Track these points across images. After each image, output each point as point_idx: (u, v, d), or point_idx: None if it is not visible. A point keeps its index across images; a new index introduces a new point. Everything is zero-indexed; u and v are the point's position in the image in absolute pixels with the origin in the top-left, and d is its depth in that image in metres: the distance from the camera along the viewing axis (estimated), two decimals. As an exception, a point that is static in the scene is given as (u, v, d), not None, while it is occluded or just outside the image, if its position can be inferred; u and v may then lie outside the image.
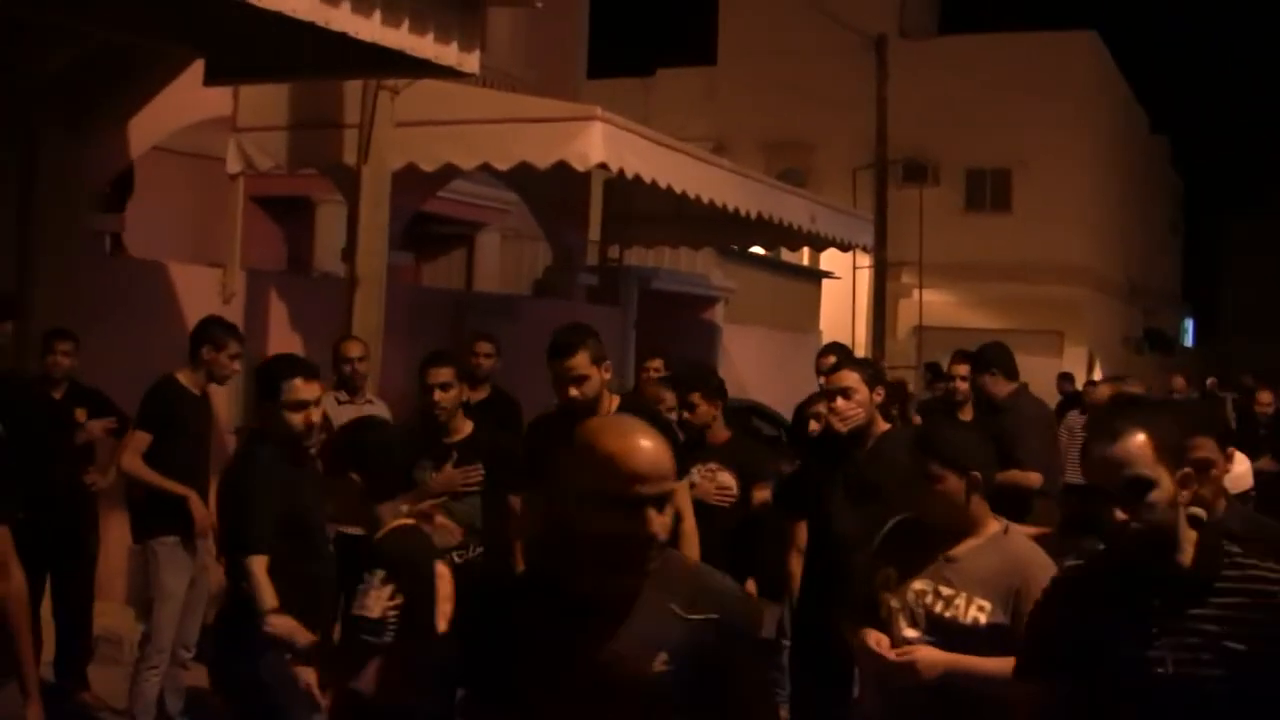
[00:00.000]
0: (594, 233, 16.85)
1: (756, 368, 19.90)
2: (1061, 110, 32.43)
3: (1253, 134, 57.43)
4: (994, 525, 4.70)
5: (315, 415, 5.71)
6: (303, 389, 5.67)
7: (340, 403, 8.79)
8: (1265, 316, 54.27)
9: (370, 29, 6.94)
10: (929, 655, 4.42)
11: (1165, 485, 3.44)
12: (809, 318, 25.72)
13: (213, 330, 7.92)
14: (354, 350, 8.98)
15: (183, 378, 7.85)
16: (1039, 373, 23.70)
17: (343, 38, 6.90)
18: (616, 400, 6.22)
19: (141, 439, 7.64)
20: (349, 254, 10.39)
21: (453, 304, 14.46)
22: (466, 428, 7.03)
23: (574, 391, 5.92)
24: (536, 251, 19.53)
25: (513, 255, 20.38)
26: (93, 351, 8.38)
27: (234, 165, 10.93)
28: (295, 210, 17.96)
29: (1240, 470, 6.37)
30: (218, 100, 10.57)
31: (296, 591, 5.32)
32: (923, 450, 4.70)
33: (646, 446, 3.02)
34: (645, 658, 3.03)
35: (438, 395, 6.88)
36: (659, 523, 2.98)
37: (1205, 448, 4.47)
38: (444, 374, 6.91)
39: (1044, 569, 4.38)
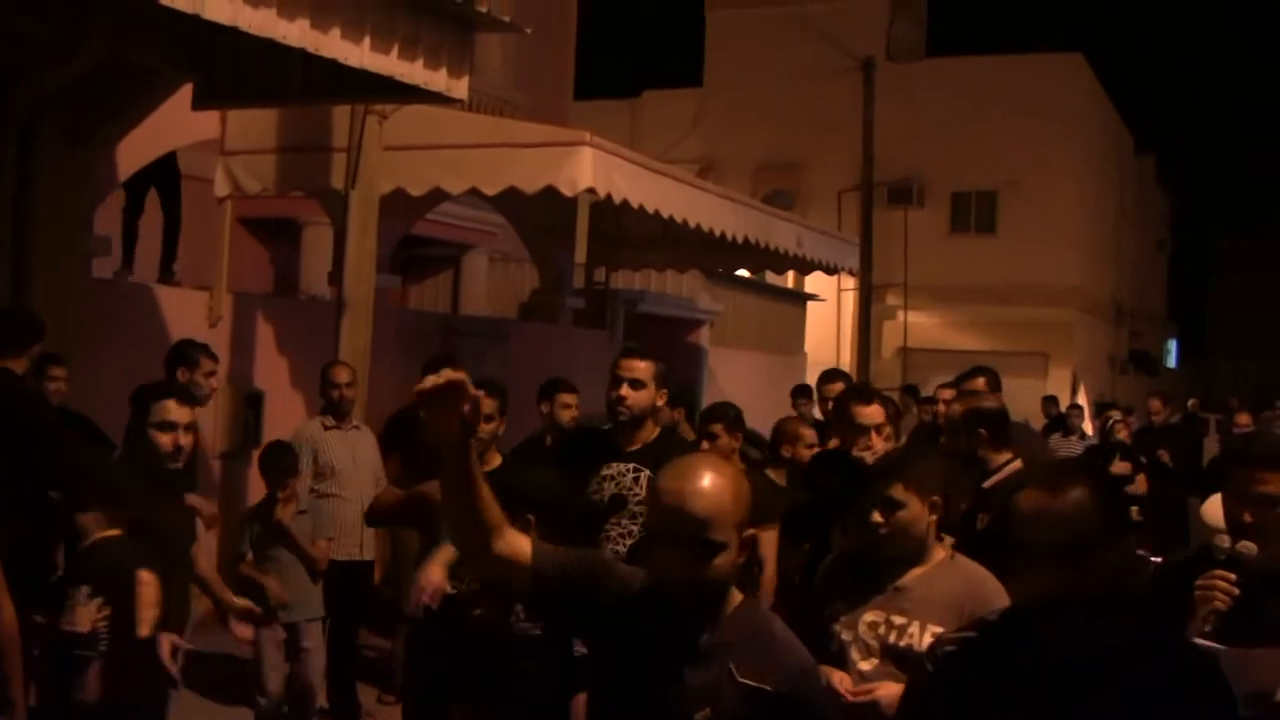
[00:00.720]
0: (580, 255, 16.85)
1: (743, 390, 19.82)
2: (1048, 131, 32.50)
3: (1239, 155, 57.67)
4: (941, 552, 4.71)
5: (184, 439, 5.68)
6: (173, 410, 5.66)
7: (327, 428, 8.79)
8: (1250, 337, 54.47)
9: (360, 55, 6.96)
10: (889, 691, 4.38)
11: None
12: (794, 340, 25.75)
13: (186, 351, 8.02)
14: (342, 376, 8.97)
15: None
16: (1023, 395, 23.80)
17: (333, 63, 6.93)
18: (657, 431, 6.16)
19: None
20: (336, 277, 10.40)
21: (440, 327, 14.45)
22: (495, 461, 6.50)
23: (625, 392, 5.91)
24: (524, 274, 19.54)
25: (500, 278, 20.38)
26: (79, 375, 8.37)
27: (222, 188, 10.94)
28: (282, 232, 17.93)
29: None
30: (206, 123, 10.58)
31: None
32: (888, 475, 4.68)
33: (707, 488, 3.06)
34: (692, 707, 3.06)
35: (481, 427, 6.30)
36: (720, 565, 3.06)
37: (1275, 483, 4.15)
38: (490, 405, 6.35)
39: (996, 592, 4.38)
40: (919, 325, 31.99)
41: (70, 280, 9.54)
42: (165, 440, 5.64)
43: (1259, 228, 57.27)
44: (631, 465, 5.96)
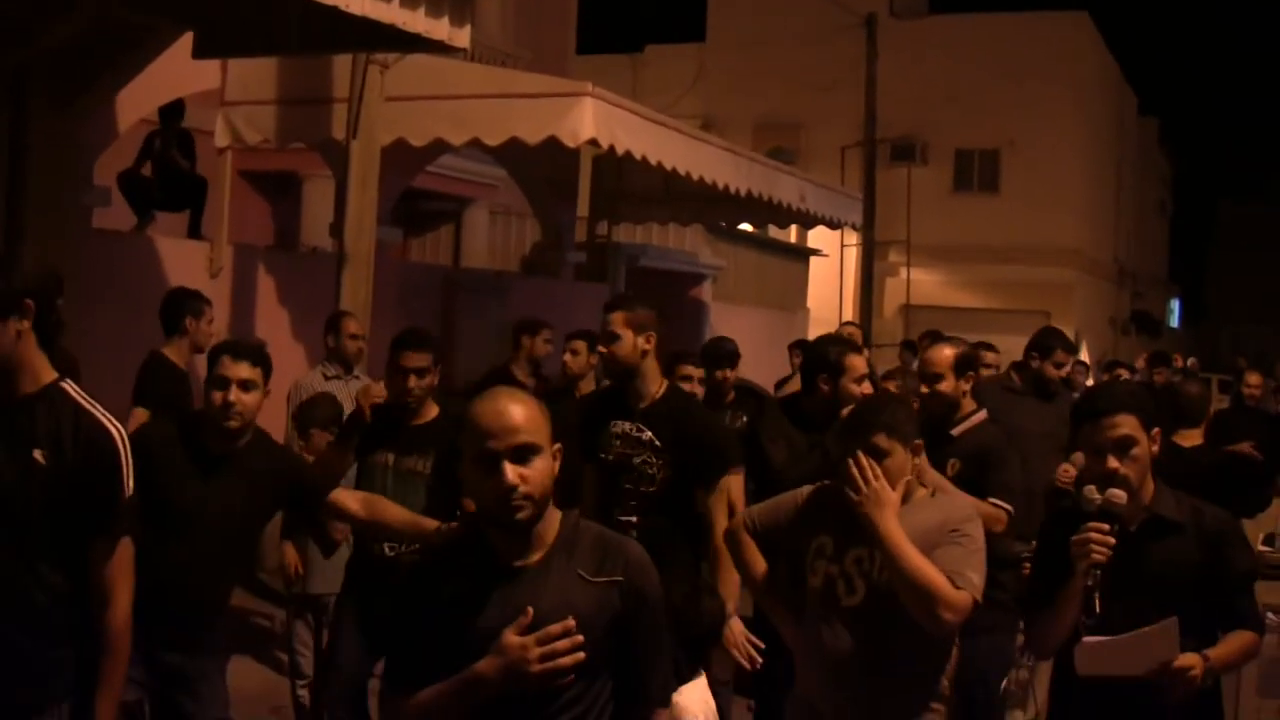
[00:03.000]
0: (583, 209, 16.82)
1: (744, 346, 19.72)
2: (1051, 91, 32.40)
3: (1242, 118, 57.47)
4: (923, 490, 4.75)
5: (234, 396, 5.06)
6: (231, 366, 5.11)
7: (328, 378, 8.73)
8: (1251, 298, 54.42)
9: (361, 3, 6.93)
10: None
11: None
12: (797, 296, 25.69)
13: (191, 301, 7.99)
14: (352, 327, 8.91)
15: (170, 353, 7.86)
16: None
17: (334, 11, 6.88)
18: (664, 386, 6.06)
19: (139, 416, 7.55)
20: (337, 230, 10.35)
21: (442, 280, 14.41)
22: (432, 412, 6.36)
23: (602, 349, 5.90)
24: (525, 228, 19.49)
25: (501, 232, 20.33)
26: (79, 326, 8.33)
27: (222, 139, 10.89)
28: (283, 186, 17.90)
29: None
30: (206, 74, 10.53)
31: (153, 578, 5.09)
32: (871, 424, 4.62)
33: (495, 407, 3.19)
34: (555, 621, 3.16)
35: (413, 381, 6.22)
36: (513, 473, 3.13)
37: (1126, 425, 4.23)
38: (424, 358, 6.26)
39: (967, 517, 4.58)
40: (921, 283, 31.95)
41: (68, 230, 9.50)
42: (218, 397, 5.07)
43: (1261, 193, 57.15)
44: (635, 425, 5.89)
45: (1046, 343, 8.55)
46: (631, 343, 5.88)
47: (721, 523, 5.58)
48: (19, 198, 9.10)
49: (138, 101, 10.92)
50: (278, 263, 12.39)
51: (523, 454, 3.15)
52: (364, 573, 6.34)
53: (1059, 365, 8.56)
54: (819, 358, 6.56)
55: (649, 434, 5.83)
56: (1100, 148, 36.61)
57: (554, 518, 3.32)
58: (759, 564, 4.95)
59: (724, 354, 9.08)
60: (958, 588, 4.29)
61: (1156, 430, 4.30)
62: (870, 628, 4.45)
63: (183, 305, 7.94)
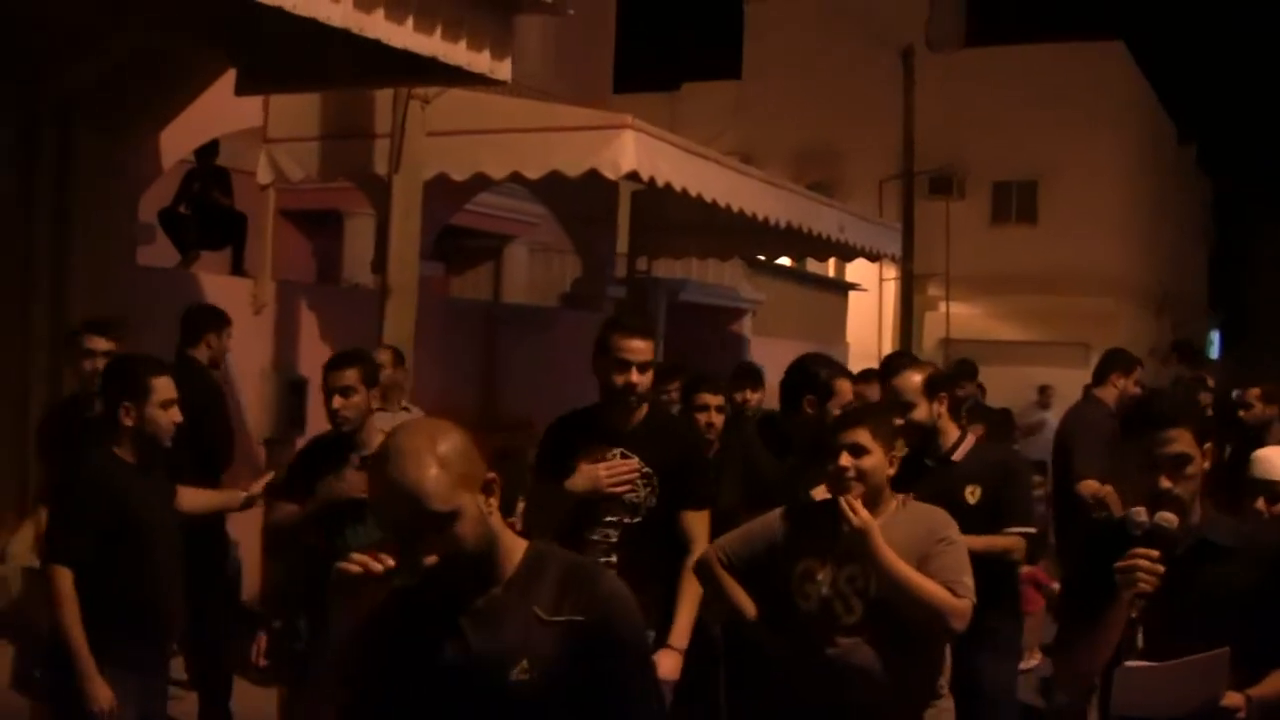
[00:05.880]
0: (622, 244, 16.84)
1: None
2: (1088, 120, 32.34)
3: (1280, 143, 57.21)
4: (894, 501, 4.75)
5: (177, 415, 5.38)
6: (169, 387, 5.36)
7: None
8: (1294, 328, 53.98)
9: (403, 36, 6.96)
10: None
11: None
12: (835, 329, 25.70)
13: (212, 316, 8.29)
14: (381, 357, 8.91)
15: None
16: (1065, 384, 23.67)
17: (376, 45, 6.92)
18: (644, 409, 5.72)
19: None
20: (379, 265, 10.40)
21: (484, 315, 14.46)
22: (376, 438, 5.82)
23: (636, 378, 5.47)
24: (565, 264, 19.53)
25: (541, 268, 20.39)
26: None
27: (265, 176, 10.95)
28: (324, 223, 18.01)
29: None
30: (248, 111, 10.60)
31: (122, 603, 5.13)
32: (854, 422, 4.71)
33: (386, 485, 2.84)
34: (505, 665, 2.91)
35: (338, 402, 6.06)
36: (426, 559, 2.84)
37: (1181, 440, 3.84)
38: (347, 377, 6.08)
39: (945, 523, 4.67)
40: (960, 316, 31.87)
41: (114, 268, 9.58)
42: (166, 418, 5.40)
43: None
44: (620, 450, 5.54)
45: (1124, 359, 8.39)
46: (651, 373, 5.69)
47: (703, 544, 5.38)
48: (66, 230, 9.18)
49: (180, 139, 11.03)
50: (320, 298, 12.47)
51: (437, 525, 2.85)
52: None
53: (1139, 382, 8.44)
54: (808, 377, 6.38)
55: (636, 460, 5.52)
56: (1138, 176, 36.48)
57: (515, 549, 3.04)
58: (749, 605, 4.90)
59: (745, 373, 8.84)
60: (959, 595, 4.46)
61: (1209, 445, 3.94)
62: (874, 641, 4.53)
63: (205, 322, 8.20)
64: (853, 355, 24.26)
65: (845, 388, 6.29)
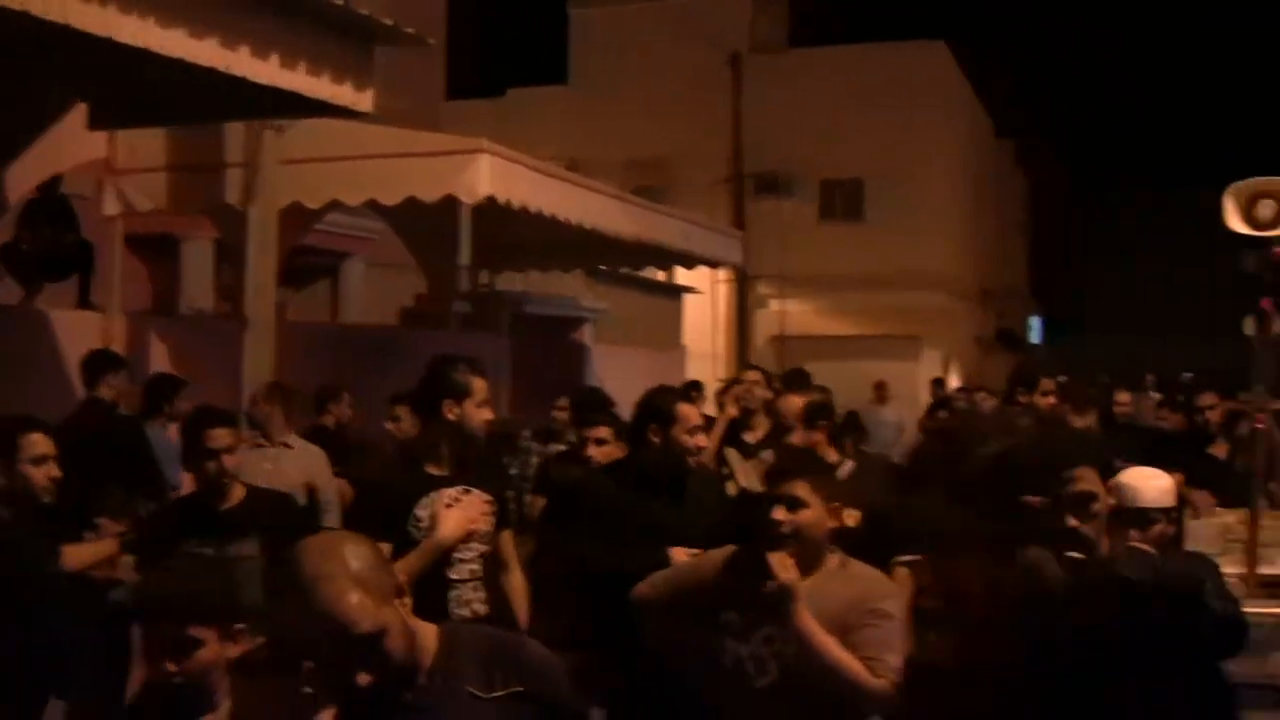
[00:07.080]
0: (465, 258, 16.80)
1: (625, 386, 19.80)
2: (911, 119, 32.87)
3: (1094, 135, 58.77)
4: (834, 559, 4.44)
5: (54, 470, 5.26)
6: (42, 443, 5.26)
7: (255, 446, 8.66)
8: (1111, 313, 55.57)
9: (269, 72, 6.96)
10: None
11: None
12: (673, 333, 25.86)
13: (106, 358, 8.72)
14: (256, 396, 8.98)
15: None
16: (898, 377, 24.27)
17: (237, 80, 6.88)
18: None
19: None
20: (235, 294, 10.31)
21: (333, 340, 14.34)
22: (239, 493, 5.93)
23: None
24: (403, 280, 19.39)
25: (378, 284, 20.20)
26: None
27: (111, 208, 10.80)
28: (161, 249, 17.65)
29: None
30: (92, 144, 10.41)
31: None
32: (793, 473, 4.48)
33: (320, 610, 2.82)
34: None
35: (226, 461, 5.85)
36: (363, 677, 2.84)
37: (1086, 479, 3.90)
38: (226, 437, 5.87)
39: (887, 594, 4.37)
40: (793, 313, 32.25)
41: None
42: (41, 475, 5.30)
43: (1116, 208, 58.47)
44: (460, 488, 5.49)
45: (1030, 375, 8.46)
46: None
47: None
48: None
49: (25, 174, 10.76)
50: (172, 330, 12.22)
51: (368, 646, 2.85)
52: None
53: (1046, 394, 8.52)
54: (650, 408, 6.20)
55: (477, 493, 5.52)
56: (961, 172, 37.21)
57: (428, 635, 3.05)
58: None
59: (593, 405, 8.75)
60: (877, 675, 4.09)
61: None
62: (785, 710, 4.24)
63: (106, 364, 8.67)
64: (690, 357, 24.53)
65: (688, 413, 6.07)
